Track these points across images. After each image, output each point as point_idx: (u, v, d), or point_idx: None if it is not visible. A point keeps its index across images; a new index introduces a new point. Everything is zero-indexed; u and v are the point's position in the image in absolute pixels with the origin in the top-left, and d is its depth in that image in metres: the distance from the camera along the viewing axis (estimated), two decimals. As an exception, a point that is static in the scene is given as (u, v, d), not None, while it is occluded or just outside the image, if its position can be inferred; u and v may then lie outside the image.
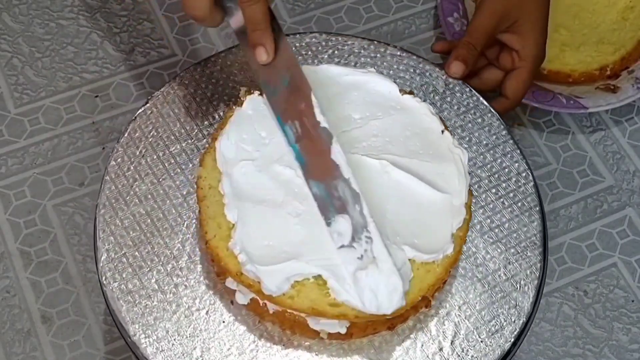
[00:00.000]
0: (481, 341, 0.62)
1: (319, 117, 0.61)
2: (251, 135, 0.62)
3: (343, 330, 0.59)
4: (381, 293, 0.56)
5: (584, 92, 0.88)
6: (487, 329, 0.62)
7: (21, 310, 0.78)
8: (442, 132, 0.64)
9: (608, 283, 0.83)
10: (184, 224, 0.65)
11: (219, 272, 0.62)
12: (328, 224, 0.58)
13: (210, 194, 0.60)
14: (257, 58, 0.62)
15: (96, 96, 0.89)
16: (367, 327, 0.60)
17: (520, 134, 0.89)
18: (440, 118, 0.65)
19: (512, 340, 0.62)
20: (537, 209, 0.67)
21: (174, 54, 0.92)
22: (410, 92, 0.66)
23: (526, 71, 0.77)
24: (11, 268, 0.80)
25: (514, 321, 0.63)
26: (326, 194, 0.59)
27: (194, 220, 0.65)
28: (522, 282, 0.64)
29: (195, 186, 0.63)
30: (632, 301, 0.82)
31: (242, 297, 0.60)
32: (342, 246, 0.57)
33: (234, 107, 0.64)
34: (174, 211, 0.65)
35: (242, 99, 0.64)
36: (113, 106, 0.88)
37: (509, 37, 0.77)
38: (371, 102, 0.65)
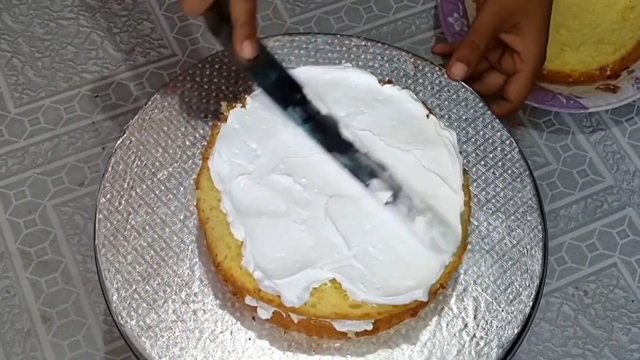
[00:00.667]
0: (502, 310, 0.63)
1: (319, 104, 0.62)
2: (242, 149, 0.62)
3: (370, 327, 0.59)
4: (443, 233, 0.58)
5: (584, 92, 0.88)
6: (505, 298, 0.63)
7: (21, 310, 0.78)
8: (427, 116, 0.64)
9: (608, 283, 0.83)
10: (188, 248, 0.64)
11: (234, 291, 0.61)
12: (366, 186, 0.60)
13: (213, 215, 0.60)
14: (243, 52, 0.62)
15: (96, 96, 0.89)
16: (391, 318, 0.60)
17: (520, 134, 0.89)
18: (423, 102, 0.65)
19: (531, 303, 0.63)
20: (527, 173, 0.68)
21: (174, 54, 0.92)
22: (389, 82, 0.66)
23: (527, 74, 0.77)
24: (11, 268, 0.80)
25: (529, 285, 0.64)
26: (353, 163, 0.61)
27: (197, 244, 0.64)
28: (528, 246, 0.65)
29: (190, 209, 0.63)
30: (632, 301, 0.82)
31: (265, 312, 0.59)
32: (388, 203, 0.59)
33: (218, 123, 0.63)
34: (175, 238, 0.64)
35: (225, 114, 0.64)
36: (113, 106, 0.89)
37: (511, 38, 0.77)
38: (353, 97, 0.65)
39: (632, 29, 0.91)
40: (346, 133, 0.62)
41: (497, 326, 0.62)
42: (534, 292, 0.63)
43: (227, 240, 0.59)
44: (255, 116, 0.63)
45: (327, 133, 0.62)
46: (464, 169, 0.63)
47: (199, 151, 0.67)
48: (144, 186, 0.66)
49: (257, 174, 0.61)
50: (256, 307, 0.60)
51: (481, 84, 0.79)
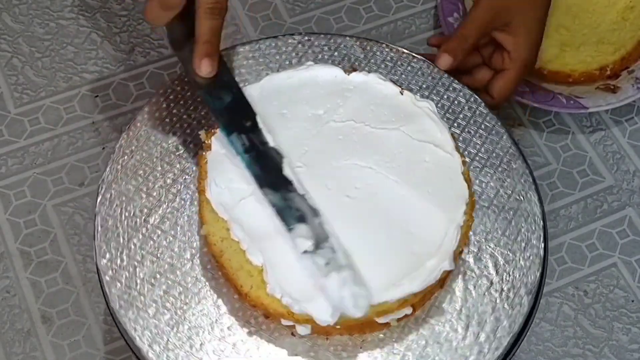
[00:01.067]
0: (519, 259, 0.64)
1: (267, 136, 0.61)
2: (236, 173, 0.60)
3: (409, 311, 0.59)
4: (354, 296, 0.55)
5: (584, 92, 0.88)
6: (519, 246, 0.65)
7: (21, 310, 0.78)
8: (401, 92, 0.65)
9: (608, 283, 0.83)
10: (205, 285, 0.62)
11: (267, 315, 0.60)
12: (289, 230, 0.58)
13: (226, 246, 0.58)
14: (201, 70, 0.61)
15: (96, 96, 0.89)
16: (425, 295, 0.60)
17: (520, 134, 0.89)
18: (392, 80, 0.66)
19: (542, 245, 0.65)
20: (499, 124, 0.70)
21: (174, 54, 0.92)
22: (354, 69, 0.67)
23: (514, 73, 0.77)
24: (11, 268, 0.80)
25: (535, 229, 0.66)
26: (283, 204, 0.59)
27: (213, 278, 0.62)
28: (522, 192, 0.67)
29: (194, 245, 0.62)
30: (632, 301, 0.82)
31: (303, 329, 0.58)
32: (306, 252, 0.57)
33: (203, 153, 0.62)
34: (189, 278, 0.62)
35: (206, 142, 0.62)
36: (113, 106, 0.89)
37: (503, 36, 0.77)
38: (326, 93, 0.65)
39: (632, 29, 0.91)
40: (288, 171, 0.60)
41: (519, 275, 0.64)
42: (541, 234, 0.65)
43: (248, 268, 0.57)
44: None
45: (267, 167, 0.60)
46: (452, 134, 0.64)
47: (182, 186, 0.66)
48: (140, 236, 0.63)
49: (257, 193, 0.60)
50: (293, 325, 0.59)
51: (472, 78, 0.79)
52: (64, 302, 0.79)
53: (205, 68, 0.61)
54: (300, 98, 0.65)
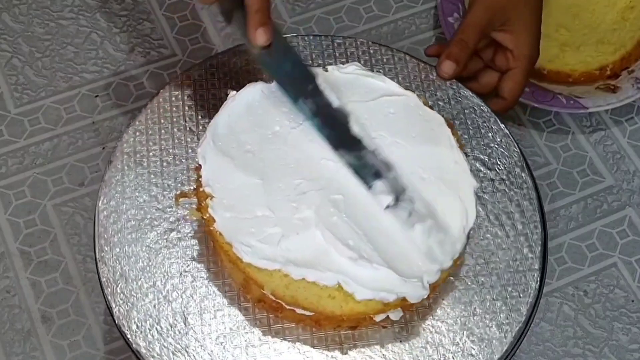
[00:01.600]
0: (496, 147, 0.69)
1: (331, 96, 0.63)
2: (253, 224, 0.59)
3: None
4: (441, 243, 0.59)
5: (584, 92, 0.88)
6: (489, 139, 0.70)
7: (21, 310, 0.78)
8: (325, 70, 0.66)
9: (608, 283, 0.83)
10: (284, 341, 0.60)
11: (354, 326, 0.60)
12: (369, 188, 0.60)
13: (294, 289, 0.57)
14: (257, 39, 0.61)
15: (96, 96, 0.89)
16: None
17: (520, 134, 0.89)
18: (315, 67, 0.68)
19: (503, 126, 0.71)
20: (394, 49, 0.74)
21: (174, 54, 0.92)
22: None
23: (521, 71, 0.77)
24: (11, 268, 0.80)
25: (488, 116, 0.71)
26: (359, 162, 0.61)
27: (286, 331, 0.61)
28: (456, 96, 0.72)
29: (240, 320, 0.61)
30: (632, 301, 0.82)
31: (397, 313, 0.59)
32: (388, 207, 0.59)
33: (211, 228, 0.59)
34: (267, 350, 0.60)
35: (205, 217, 0.60)
36: (113, 106, 0.89)
37: (502, 36, 0.77)
38: (265, 111, 0.64)
39: (632, 29, 0.91)
40: (356, 128, 0.62)
41: (506, 159, 0.69)
42: (496, 118, 0.71)
43: (327, 293, 0.57)
44: (228, 195, 0.60)
45: (336, 128, 0.62)
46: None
47: (191, 278, 0.63)
48: (185, 341, 0.60)
49: (284, 229, 0.59)
50: (385, 318, 0.59)
51: (477, 83, 0.79)
52: (64, 302, 0.79)
53: (260, 37, 0.61)
54: (250, 127, 0.63)
